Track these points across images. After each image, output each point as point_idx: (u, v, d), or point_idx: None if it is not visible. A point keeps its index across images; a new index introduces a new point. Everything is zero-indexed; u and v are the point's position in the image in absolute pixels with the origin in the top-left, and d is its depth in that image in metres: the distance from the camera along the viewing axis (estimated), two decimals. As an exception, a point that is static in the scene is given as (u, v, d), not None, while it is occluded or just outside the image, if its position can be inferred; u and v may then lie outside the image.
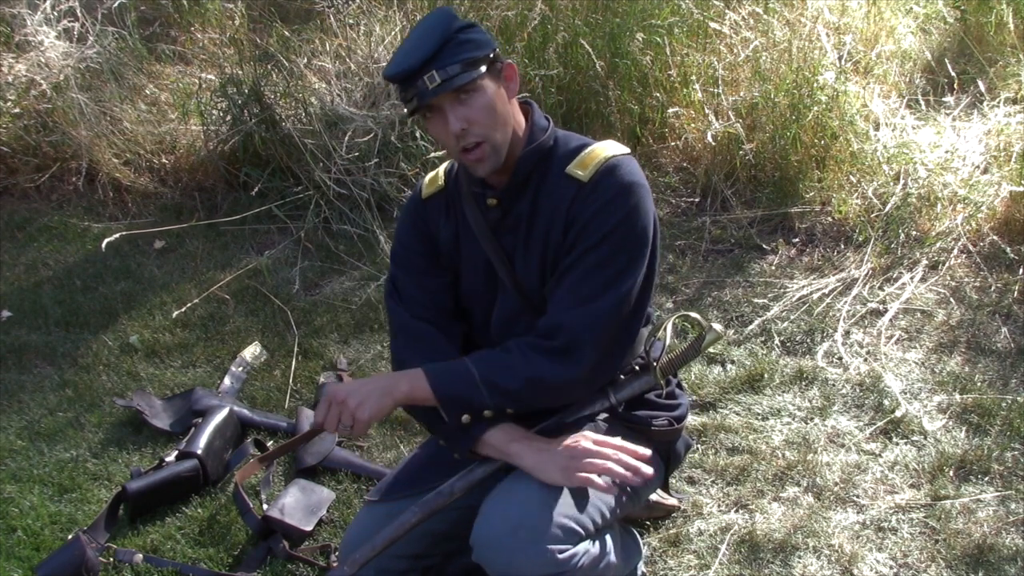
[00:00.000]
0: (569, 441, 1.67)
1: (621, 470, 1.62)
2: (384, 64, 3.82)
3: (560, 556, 1.60)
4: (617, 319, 1.68)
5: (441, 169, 1.90)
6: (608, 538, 1.75)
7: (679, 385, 2.00)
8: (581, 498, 1.67)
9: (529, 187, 1.74)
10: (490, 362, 1.69)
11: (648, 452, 1.68)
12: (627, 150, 1.75)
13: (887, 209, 3.26)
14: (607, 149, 1.72)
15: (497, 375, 1.66)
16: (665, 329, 1.93)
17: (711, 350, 2.79)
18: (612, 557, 1.74)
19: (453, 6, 3.86)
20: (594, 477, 1.61)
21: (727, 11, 3.77)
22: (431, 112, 1.65)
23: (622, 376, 1.82)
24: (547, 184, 1.73)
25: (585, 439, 1.66)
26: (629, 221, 1.67)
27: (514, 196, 1.75)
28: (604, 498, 1.72)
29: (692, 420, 2.51)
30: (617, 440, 1.68)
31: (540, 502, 1.63)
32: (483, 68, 1.62)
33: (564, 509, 1.64)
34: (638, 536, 2.05)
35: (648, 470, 1.65)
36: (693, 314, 2.18)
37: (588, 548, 1.66)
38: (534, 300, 1.78)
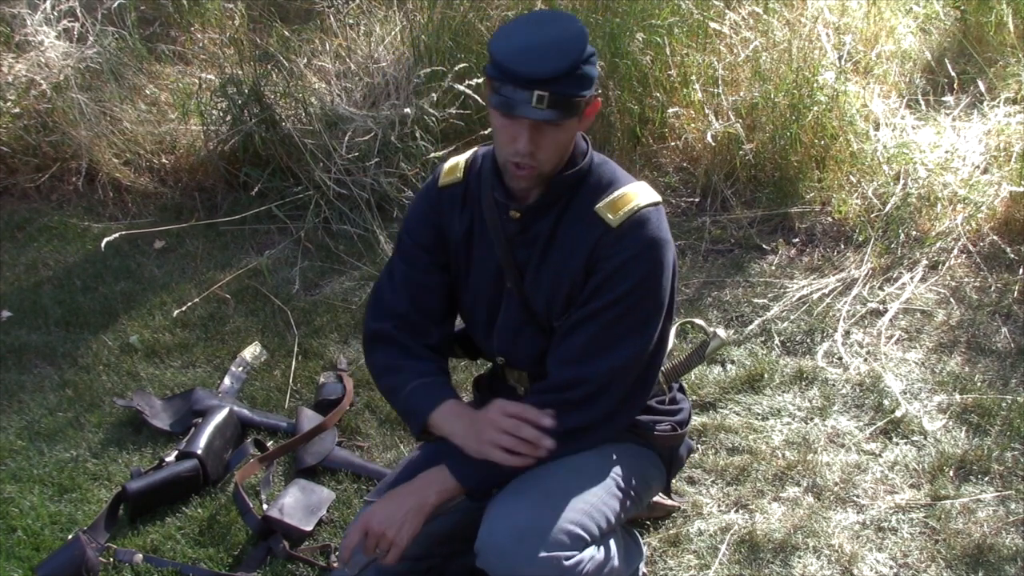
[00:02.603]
0: (490, 413, 1.69)
1: (523, 451, 1.65)
2: (385, 64, 3.82)
3: (566, 563, 1.60)
4: (633, 369, 1.70)
5: (462, 159, 1.85)
6: (612, 543, 1.75)
7: (681, 389, 2.00)
8: (587, 503, 1.67)
9: (554, 209, 1.73)
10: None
11: (550, 422, 1.67)
12: (658, 198, 1.73)
13: (887, 209, 3.26)
14: (640, 196, 1.71)
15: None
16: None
17: (711, 350, 2.80)
18: (616, 562, 1.74)
19: (453, 6, 3.86)
20: (497, 452, 1.65)
21: (727, 11, 3.77)
22: (510, 114, 1.59)
23: None
24: (572, 213, 1.72)
25: (501, 413, 1.68)
26: (652, 279, 1.68)
27: (537, 214, 1.73)
28: (609, 503, 1.72)
29: (692, 420, 2.51)
30: (529, 411, 1.68)
31: (546, 507, 1.63)
32: (581, 109, 1.60)
33: (570, 515, 1.64)
34: (639, 537, 2.05)
35: (549, 443, 1.65)
36: (698, 320, 2.19)
37: (593, 554, 1.66)
38: (539, 316, 1.77)
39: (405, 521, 1.65)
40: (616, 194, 1.70)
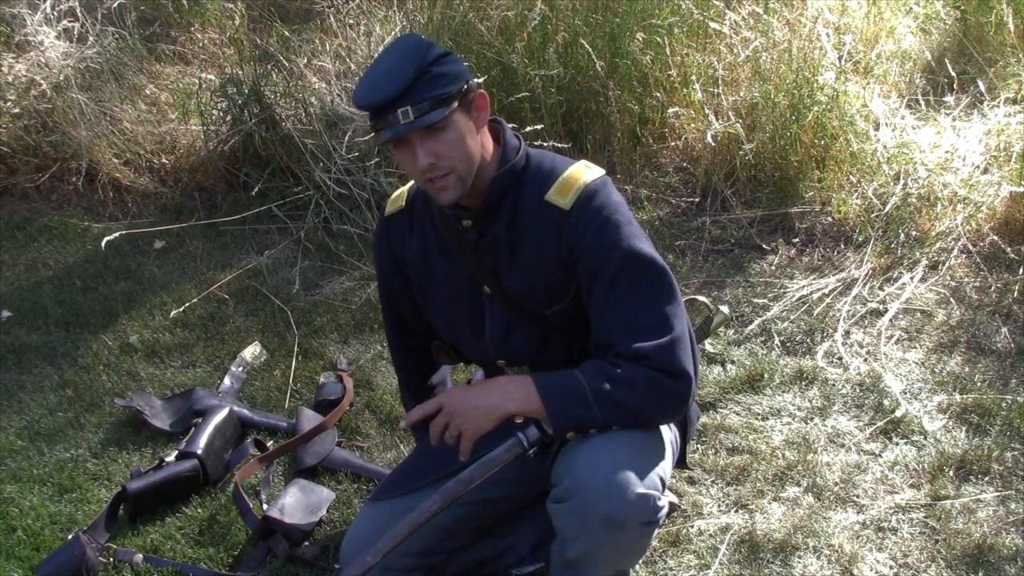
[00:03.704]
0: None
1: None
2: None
3: (658, 503, 1.63)
4: (682, 320, 1.69)
5: (405, 188, 1.92)
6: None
7: None
8: (657, 454, 1.71)
9: (503, 209, 1.75)
10: (601, 374, 1.64)
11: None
12: (602, 172, 1.76)
13: (887, 209, 3.26)
14: (584, 174, 1.73)
15: (611, 388, 1.62)
16: None
17: (711, 350, 2.79)
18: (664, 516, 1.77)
19: (453, 6, 3.86)
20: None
21: (727, 11, 3.77)
22: (399, 143, 1.64)
23: None
24: (524, 208, 1.74)
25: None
26: (631, 237, 1.69)
27: (489, 218, 1.76)
28: (667, 457, 1.75)
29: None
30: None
31: (631, 454, 1.64)
32: (455, 104, 1.62)
33: (651, 461, 1.67)
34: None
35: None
36: (700, 297, 2.20)
37: (667, 502, 1.70)
38: (527, 308, 1.78)
39: (476, 412, 1.65)
40: (561, 179, 1.73)
